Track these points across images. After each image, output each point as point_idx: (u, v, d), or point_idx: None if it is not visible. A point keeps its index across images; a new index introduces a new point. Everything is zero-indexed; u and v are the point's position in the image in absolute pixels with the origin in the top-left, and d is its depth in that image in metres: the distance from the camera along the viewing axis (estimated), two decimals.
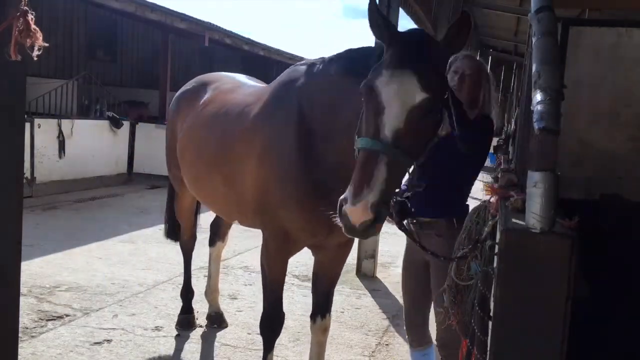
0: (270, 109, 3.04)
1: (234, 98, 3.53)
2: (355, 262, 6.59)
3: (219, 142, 3.37)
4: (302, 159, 2.82)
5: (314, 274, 3.47)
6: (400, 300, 5.73)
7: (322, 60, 2.90)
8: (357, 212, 2.01)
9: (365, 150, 2.08)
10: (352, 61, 2.66)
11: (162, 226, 5.11)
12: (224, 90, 3.78)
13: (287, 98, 2.96)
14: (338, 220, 2.13)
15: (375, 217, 2.02)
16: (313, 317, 3.44)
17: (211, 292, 4.75)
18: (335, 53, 2.85)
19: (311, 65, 2.96)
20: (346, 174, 2.74)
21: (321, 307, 3.41)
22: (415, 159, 2.20)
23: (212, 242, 4.83)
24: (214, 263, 4.82)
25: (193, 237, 4.73)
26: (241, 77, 4.12)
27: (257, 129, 3.05)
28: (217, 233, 4.79)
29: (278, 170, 2.89)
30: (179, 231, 4.75)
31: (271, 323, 3.25)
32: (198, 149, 3.63)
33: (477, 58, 3.10)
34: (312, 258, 3.48)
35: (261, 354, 3.37)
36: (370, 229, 2.05)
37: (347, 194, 2.06)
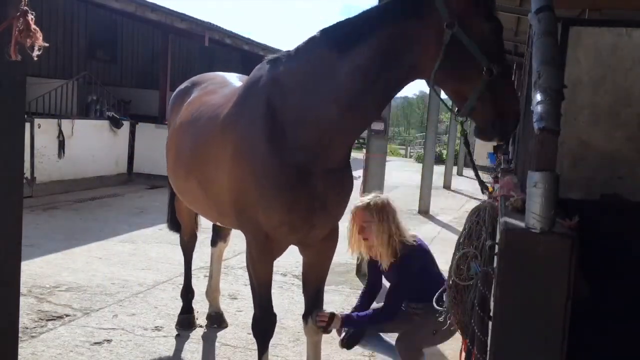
0: (239, 108, 3.04)
1: (211, 99, 3.52)
2: (355, 262, 6.59)
3: (193, 146, 3.37)
4: (275, 151, 2.83)
5: (303, 274, 3.48)
6: None
7: (288, 52, 2.94)
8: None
9: (510, 68, 2.54)
10: (333, 39, 2.73)
11: (162, 226, 5.12)
12: (206, 92, 3.76)
13: (254, 95, 2.97)
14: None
15: None
16: (305, 318, 3.43)
17: (212, 292, 4.75)
18: (305, 40, 2.89)
19: (276, 59, 2.98)
20: (324, 153, 2.83)
21: (313, 308, 3.41)
22: None
23: (213, 243, 4.82)
24: (216, 263, 4.82)
25: (193, 237, 4.73)
26: (232, 77, 4.07)
27: (228, 130, 3.05)
28: (219, 234, 4.79)
29: (252, 167, 2.89)
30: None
31: (262, 324, 3.25)
32: (177, 152, 3.64)
33: (368, 202, 3.43)
34: None
35: None
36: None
37: (518, 107, 2.56)
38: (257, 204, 2.92)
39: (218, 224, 3.86)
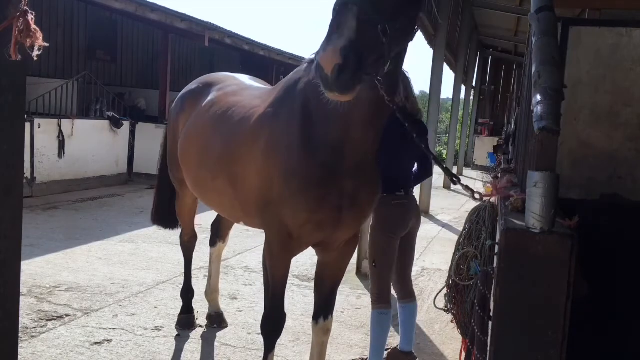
0: (275, 108, 3.08)
1: (240, 101, 3.54)
2: (355, 262, 6.59)
3: (224, 144, 3.37)
4: (306, 150, 2.85)
5: (317, 275, 3.46)
6: None
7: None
8: (326, 57, 2.07)
9: (338, 4, 2.16)
10: None
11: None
12: (228, 92, 3.77)
13: (290, 96, 3.00)
14: (321, 84, 2.16)
15: (344, 62, 2.07)
16: (315, 318, 3.43)
17: (211, 292, 4.75)
18: None
19: (311, 60, 2.98)
20: (351, 150, 2.85)
21: (324, 309, 3.41)
22: (387, 21, 2.22)
23: (213, 243, 4.82)
24: (215, 263, 4.82)
25: (194, 237, 4.73)
26: (245, 78, 4.12)
27: (262, 128, 3.08)
28: (218, 233, 4.79)
29: (282, 164, 2.91)
30: (167, 216, 4.74)
31: (273, 323, 3.25)
32: (202, 152, 3.62)
33: None
34: (313, 258, 3.48)
35: (261, 353, 3.37)
36: (343, 77, 2.09)
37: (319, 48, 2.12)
38: (284, 202, 2.93)
39: (242, 223, 3.86)
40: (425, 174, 3.93)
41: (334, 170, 2.85)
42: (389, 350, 4.10)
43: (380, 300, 3.72)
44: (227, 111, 3.50)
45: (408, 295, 3.97)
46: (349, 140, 2.81)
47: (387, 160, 3.60)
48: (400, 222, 3.73)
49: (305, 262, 6.29)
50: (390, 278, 3.76)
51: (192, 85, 4.30)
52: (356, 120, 2.76)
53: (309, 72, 2.95)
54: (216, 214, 4.50)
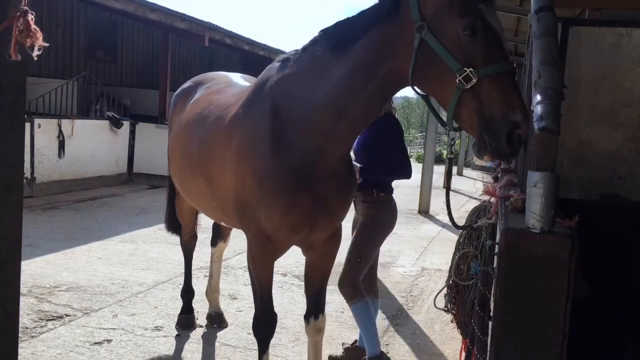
0: (246, 108, 3.06)
1: (218, 99, 3.53)
2: None
3: (200, 144, 3.38)
4: (278, 153, 2.84)
5: (305, 274, 3.48)
6: (400, 300, 5.75)
7: (296, 51, 2.92)
8: (525, 134, 2.15)
9: (508, 72, 2.20)
10: (328, 40, 2.71)
11: (162, 226, 5.12)
12: (212, 91, 3.77)
13: (261, 96, 2.98)
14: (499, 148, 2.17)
15: None
16: (307, 318, 3.43)
17: (212, 292, 4.75)
18: (309, 40, 2.87)
19: (285, 59, 2.98)
20: (322, 158, 2.83)
21: (314, 308, 3.41)
22: None
23: (214, 243, 4.82)
24: (216, 263, 4.82)
25: (194, 237, 4.73)
26: (236, 77, 4.10)
27: (234, 129, 3.06)
28: (219, 233, 4.79)
29: (254, 167, 2.90)
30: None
31: (263, 324, 3.25)
32: (182, 151, 3.64)
33: None
34: None
35: None
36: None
37: (516, 117, 2.13)
38: (258, 205, 2.93)
39: (223, 224, 3.86)
40: (402, 172, 3.80)
41: (306, 176, 2.85)
42: (348, 347, 4.17)
43: (360, 292, 3.78)
44: (205, 110, 3.50)
45: (375, 292, 4.08)
46: (324, 151, 2.82)
47: (378, 157, 3.63)
48: (393, 220, 3.83)
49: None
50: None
51: (186, 84, 4.33)
52: (339, 135, 2.78)
53: (285, 67, 2.93)
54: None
